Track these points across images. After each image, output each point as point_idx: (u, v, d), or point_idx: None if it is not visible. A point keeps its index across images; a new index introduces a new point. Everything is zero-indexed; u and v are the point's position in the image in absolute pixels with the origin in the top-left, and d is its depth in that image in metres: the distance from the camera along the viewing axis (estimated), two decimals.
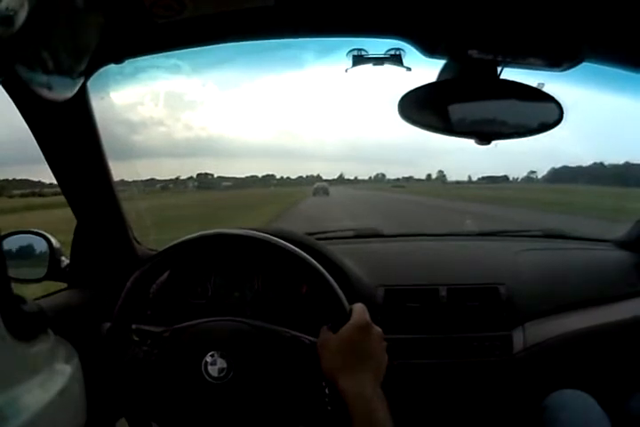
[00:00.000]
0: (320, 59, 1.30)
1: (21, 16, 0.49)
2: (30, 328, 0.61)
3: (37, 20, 0.52)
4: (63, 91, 0.67)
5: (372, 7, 0.95)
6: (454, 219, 8.53)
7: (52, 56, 0.61)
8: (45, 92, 0.63)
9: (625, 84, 1.27)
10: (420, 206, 15.95)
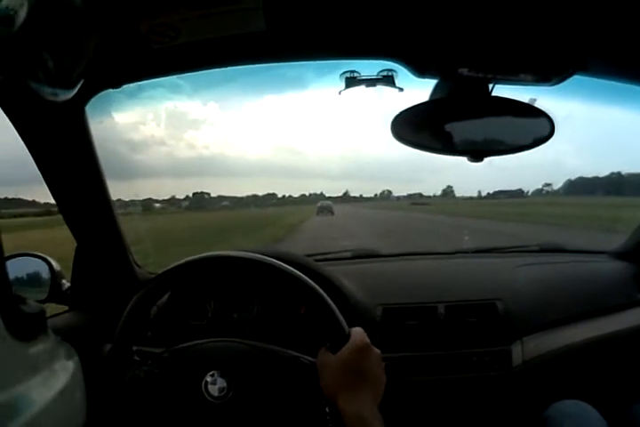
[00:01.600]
0: (320, 78, 1.31)
1: (21, 16, 0.50)
2: (30, 328, 0.61)
3: (37, 20, 0.53)
4: (63, 92, 0.68)
5: (362, 30, 0.97)
6: None
7: (52, 55, 0.62)
8: (45, 93, 0.64)
9: (620, 95, 1.29)
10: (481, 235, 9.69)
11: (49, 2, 0.57)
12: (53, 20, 0.59)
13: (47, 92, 0.64)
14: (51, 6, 0.58)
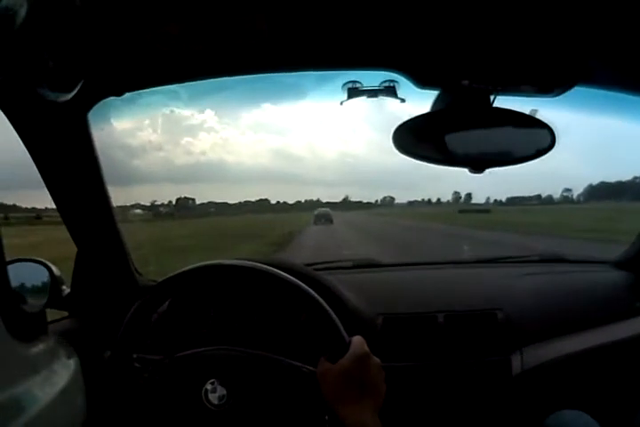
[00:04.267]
0: (319, 87, 1.32)
1: (21, 16, 0.50)
2: (30, 328, 0.61)
3: (37, 20, 0.53)
4: (63, 92, 0.68)
5: (364, 41, 0.98)
6: None
7: (52, 55, 0.62)
8: (45, 94, 0.64)
9: (621, 105, 1.29)
10: None
11: (49, 2, 0.58)
12: (53, 20, 0.59)
13: (47, 92, 0.65)
14: (51, 6, 0.58)
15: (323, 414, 0.96)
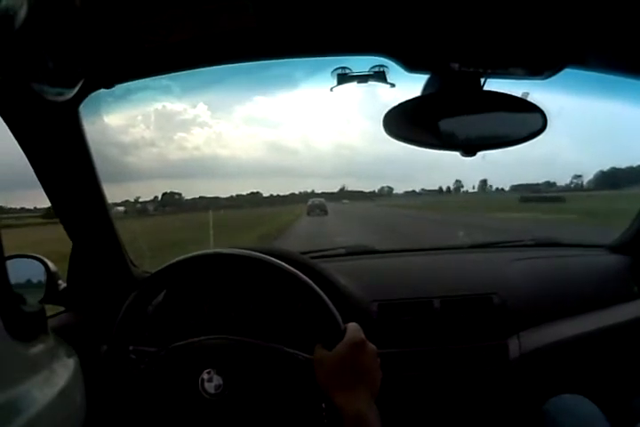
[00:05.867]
0: (311, 77, 1.31)
1: (21, 16, 0.50)
2: (30, 328, 0.61)
3: (37, 20, 0.53)
4: (63, 91, 0.68)
5: (352, 26, 0.97)
6: None
7: (52, 55, 0.62)
8: (46, 93, 0.64)
9: (613, 87, 1.29)
10: None
11: (49, 2, 0.58)
12: (53, 20, 0.59)
13: (48, 91, 0.64)
14: (50, 6, 0.58)
15: (319, 402, 0.97)
